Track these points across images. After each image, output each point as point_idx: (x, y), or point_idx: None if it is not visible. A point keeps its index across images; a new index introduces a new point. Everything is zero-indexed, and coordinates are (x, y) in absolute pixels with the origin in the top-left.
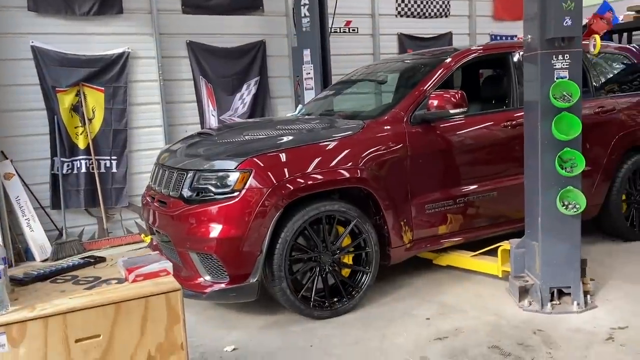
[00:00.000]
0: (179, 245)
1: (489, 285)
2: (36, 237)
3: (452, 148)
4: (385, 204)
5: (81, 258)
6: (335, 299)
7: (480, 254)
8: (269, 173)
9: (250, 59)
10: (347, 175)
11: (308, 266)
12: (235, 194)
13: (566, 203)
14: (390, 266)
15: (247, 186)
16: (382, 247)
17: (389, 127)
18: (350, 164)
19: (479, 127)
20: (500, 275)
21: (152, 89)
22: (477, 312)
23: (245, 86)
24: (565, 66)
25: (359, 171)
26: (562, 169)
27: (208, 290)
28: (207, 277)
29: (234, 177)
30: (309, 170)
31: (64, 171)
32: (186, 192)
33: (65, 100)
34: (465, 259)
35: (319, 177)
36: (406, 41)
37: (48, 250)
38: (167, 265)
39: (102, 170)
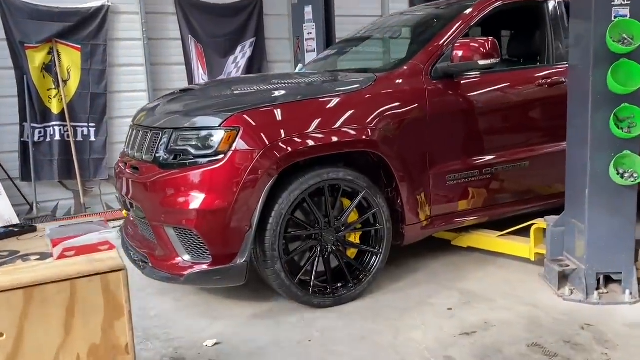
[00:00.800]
0: (153, 218)
1: (517, 270)
2: (2, 212)
3: (478, 109)
4: (400, 174)
5: (4, 226)
6: (339, 284)
7: (508, 233)
8: (261, 132)
9: (245, 18)
10: (355, 136)
11: (307, 245)
12: (220, 157)
13: (621, 171)
14: (402, 247)
15: (233, 147)
16: (394, 225)
17: (405, 81)
18: (358, 123)
19: (509, 85)
20: (532, 259)
21: (135, 49)
22: (508, 301)
23: (239, 48)
24: (626, 2)
25: (368, 132)
26: (619, 129)
27: (187, 272)
28: (186, 257)
29: (218, 136)
30: (309, 130)
31: (35, 139)
32: (161, 155)
33: (36, 58)
34: (490, 240)
35: (321, 138)
36: (417, 1)
37: None
38: (109, 236)
39: (79, 138)
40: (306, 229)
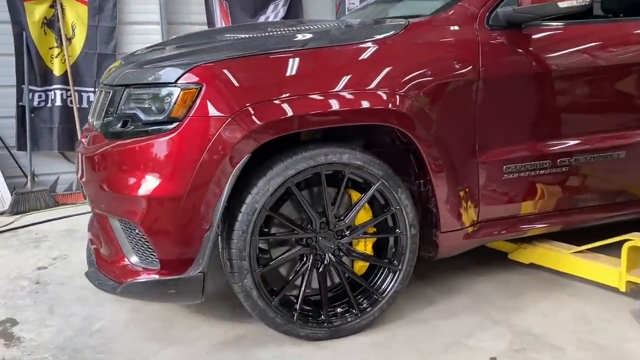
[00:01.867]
0: (95, 204)
1: (598, 303)
2: None
3: (555, 73)
4: (434, 160)
5: None
6: (338, 310)
7: (589, 250)
8: (231, 92)
9: None
10: (369, 105)
11: (295, 253)
12: (174, 125)
13: None
14: (436, 261)
15: (192, 112)
16: (426, 231)
17: (449, 30)
18: (374, 86)
19: (602, 42)
20: (622, 289)
21: (149, 4)
22: (584, 352)
23: (271, 7)
24: None
25: (396, 99)
26: None
27: (127, 280)
28: (134, 259)
29: (172, 95)
30: (301, 91)
31: (35, 103)
32: (109, 122)
33: (36, 11)
34: (562, 257)
35: (318, 103)
36: None
37: (7, 201)
38: None
39: (84, 104)
40: (293, 230)
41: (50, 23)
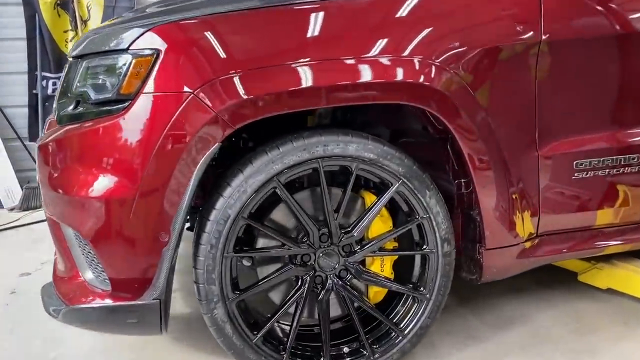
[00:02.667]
0: (45, 206)
1: None
2: (3, 177)
3: None
4: (479, 155)
5: None
6: (344, 349)
7: None
8: (194, 59)
9: None
10: (392, 77)
11: (283, 275)
12: (124, 104)
13: None
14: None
15: (146, 86)
16: (467, 245)
17: None
18: (394, 51)
19: None
20: None
21: None
22: None
23: None
24: None
25: (429, 71)
26: None
27: (74, 303)
28: (89, 276)
29: (124, 66)
30: (291, 58)
31: (49, 91)
32: (62, 103)
33: None
34: None
35: (313, 71)
36: None
37: (17, 196)
38: None
39: None
40: (283, 245)
41: (64, 4)
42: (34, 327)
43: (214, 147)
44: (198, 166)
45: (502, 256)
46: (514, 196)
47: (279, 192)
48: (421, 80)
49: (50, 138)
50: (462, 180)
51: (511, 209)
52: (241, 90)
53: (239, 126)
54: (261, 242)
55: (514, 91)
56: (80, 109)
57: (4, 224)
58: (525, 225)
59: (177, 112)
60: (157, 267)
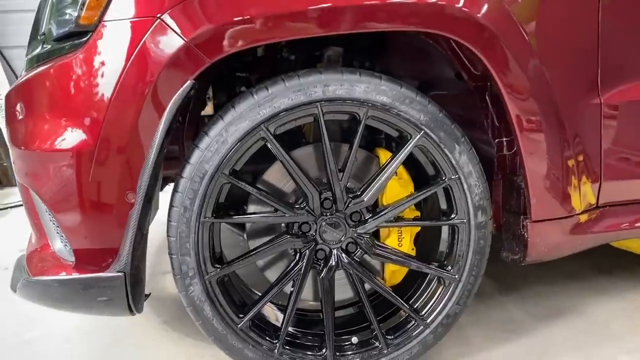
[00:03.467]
0: (14, 168)
1: None
2: None
3: None
4: (528, 116)
5: None
6: (353, 340)
7: None
8: None
9: None
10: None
11: (277, 247)
12: (84, 39)
13: None
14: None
15: (106, 14)
16: (507, 218)
17: None
18: None
19: None
20: None
21: None
22: None
23: None
24: None
25: None
26: None
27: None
28: (58, 246)
29: None
30: None
31: None
32: (30, 47)
33: None
34: None
35: None
36: None
37: None
38: None
39: None
40: (275, 211)
41: None
42: (17, 304)
43: (185, 85)
44: (168, 109)
45: (552, 231)
46: (569, 160)
47: (268, 145)
48: (460, 4)
49: (11, 88)
50: (504, 139)
51: (565, 175)
52: (219, 12)
53: (217, 59)
54: (252, 209)
55: (571, 22)
56: (43, 48)
57: (15, 202)
58: (583, 194)
59: (141, 43)
60: (122, 234)
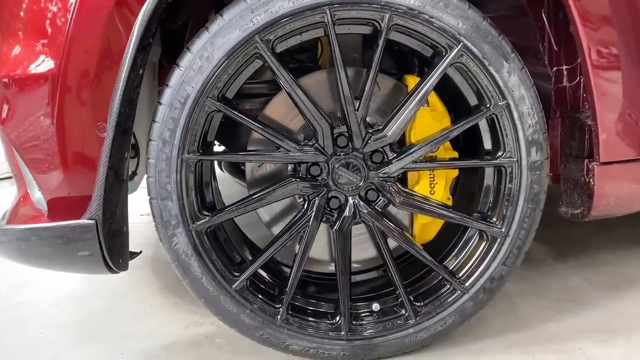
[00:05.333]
0: None
1: None
2: None
3: None
4: (604, 47)
5: None
6: (373, 307)
7: None
8: None
9: None
10: None
11: (280, 193)
12: None
13: None
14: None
15: None
16: (568, 161)
17: None
18: None
19: None
20: None
21: None
22: None
23: None
24: None
25: None
26: None
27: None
28: (37, 196)
29: None
30: None
31: None
32: None
33: None
34: None
35: None
36: None
37: None
38: None
39: None
40: (277, 148)
41: None
42: (4, 270)
43: None
44: (139, 20)
45: (624, 176)
46: None
47: (267, 61)
48: None
49: None
50: (564, 67)
51: None
52: None
53: None
54: (253, 147)
55: None
56: None
57: None
58: None
59: None
60: (95, 175)
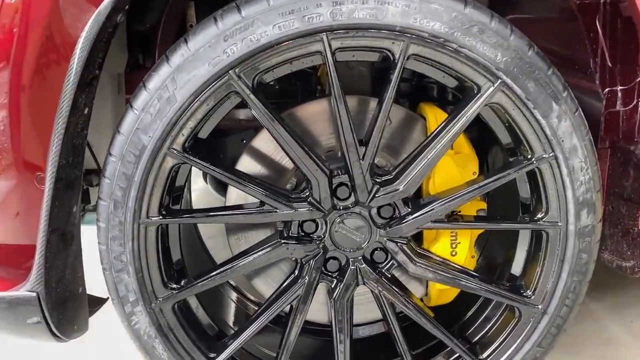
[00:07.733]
0: None
1: None
2: None
3: None
4: None
5: None
6: None
7: None
8: None
9: None
10: None
11: (264, 257)
12: None
13: None
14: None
15: None
16: (620, 207)
17: None
18: None
19: None
20: None
21: None
22: None
23: None
24: None
25: None
26: None
27: None
28: None
29: None
30: None
31: None
32: None
33: None
34: None
35: None
36: None
37: None
38: None
39: None
40: (262, 205)
41: None
42: None
43: (104, 6)
44: (80, 45)
45: None
46: None
47: (247, 101)
48: None
49: None
50: (619, 87)
51: None
52: None
53: None
54: (233, 196)
55: None
56: None
57: None
58: None
59: None
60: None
